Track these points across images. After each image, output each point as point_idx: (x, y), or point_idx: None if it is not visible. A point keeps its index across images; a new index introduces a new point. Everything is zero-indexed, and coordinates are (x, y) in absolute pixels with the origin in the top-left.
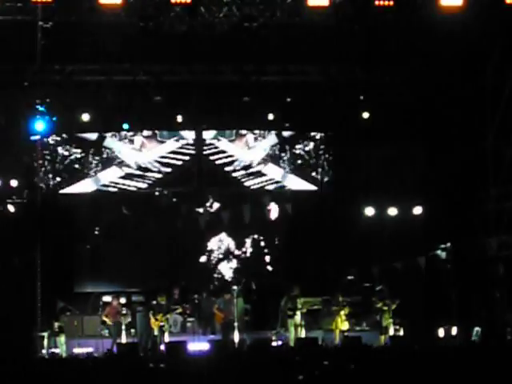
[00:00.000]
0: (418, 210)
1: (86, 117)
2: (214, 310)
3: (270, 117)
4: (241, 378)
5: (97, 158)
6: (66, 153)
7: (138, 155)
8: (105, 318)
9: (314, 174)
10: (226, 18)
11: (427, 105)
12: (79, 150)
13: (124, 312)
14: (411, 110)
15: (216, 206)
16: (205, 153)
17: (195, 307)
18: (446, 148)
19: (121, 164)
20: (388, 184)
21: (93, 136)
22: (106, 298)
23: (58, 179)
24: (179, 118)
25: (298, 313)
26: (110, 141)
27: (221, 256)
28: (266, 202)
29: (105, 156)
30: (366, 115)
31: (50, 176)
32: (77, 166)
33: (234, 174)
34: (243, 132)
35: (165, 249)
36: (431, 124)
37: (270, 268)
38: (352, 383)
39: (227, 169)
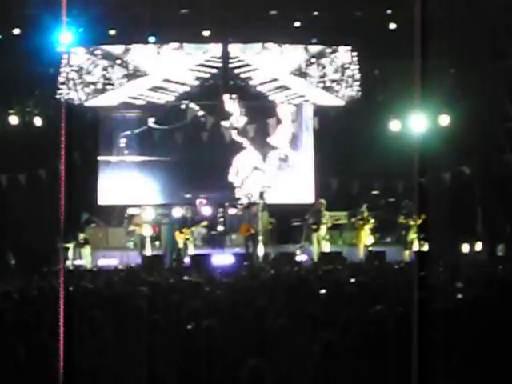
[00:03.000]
0: (445, 120)
1: (112, 30)
2: (239, 223)
3: (297, 31)
4: (263, 291)
5: (122, 70)
6: (92, 65)
7: (165, 68)
8: (134, 227)
9: (340, 88)
10: None
11: (455, 20)
12: (105, 63)
13: (153, 223)
14: (438, 25)
15: (242, 119)
16: (231, 66)
17: (220, 220)
18: (472, 64)
19: (146, 77)
20: (413, 98)
21: (119, 49)
22: (131, 211)
23: (84, 91)
24: (206, 33)
25: (323, 227)
26: (136, 54)
27: (246, 170)
28: (291, 115)
29: (130, 69)
30: (392, 26)
31: (76, 88)
32: (102, 78)
33: (259, 88)
34: (269, 46)
35: (190, 162)
36: (458, 40)
37: (294, 182)
38: (373, 298)
39: (252, 82)
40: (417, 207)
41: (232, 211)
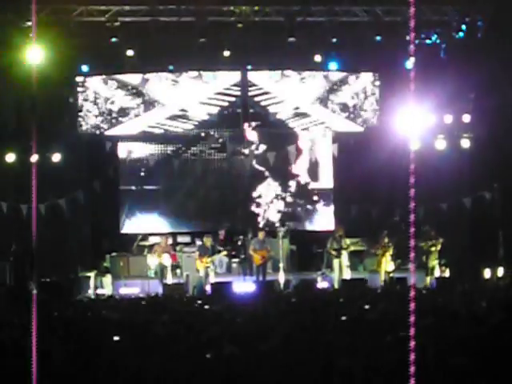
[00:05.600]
0: (465, 145)
1: (130, 57)
2: (250, 252)
3: (317, 58)
4: (284, 318)
5: (140, 100)
6: (110, 94)
7: (183, 97)
8: (154, 256)
9: (360, 114)
10: None
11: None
12: (123, 92)
13: (172, 252)
14: (458, 50)
15: (262, 147)
16: (250, 94)
17: (240, 249)
18: (491, 89)
19: (164, 106)
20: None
21: (137, 78)
22: (152, 239)
23: (103, 121)
24: (226, 53)
25: (344, 253)
26: (154, 83)
27: (266, 198)
28: (311, 142)
29: (148, 98)
30: (410, 62)
31: (95, 117)
32: (121, 108)
33: (278, 116)
34: (288, 73)
35: (210, 190)
36: (476, 67)
37: (315, 209)
38: (395, 324)
39: (272, 110)
40: (437, 233)
41: (252, 239)
